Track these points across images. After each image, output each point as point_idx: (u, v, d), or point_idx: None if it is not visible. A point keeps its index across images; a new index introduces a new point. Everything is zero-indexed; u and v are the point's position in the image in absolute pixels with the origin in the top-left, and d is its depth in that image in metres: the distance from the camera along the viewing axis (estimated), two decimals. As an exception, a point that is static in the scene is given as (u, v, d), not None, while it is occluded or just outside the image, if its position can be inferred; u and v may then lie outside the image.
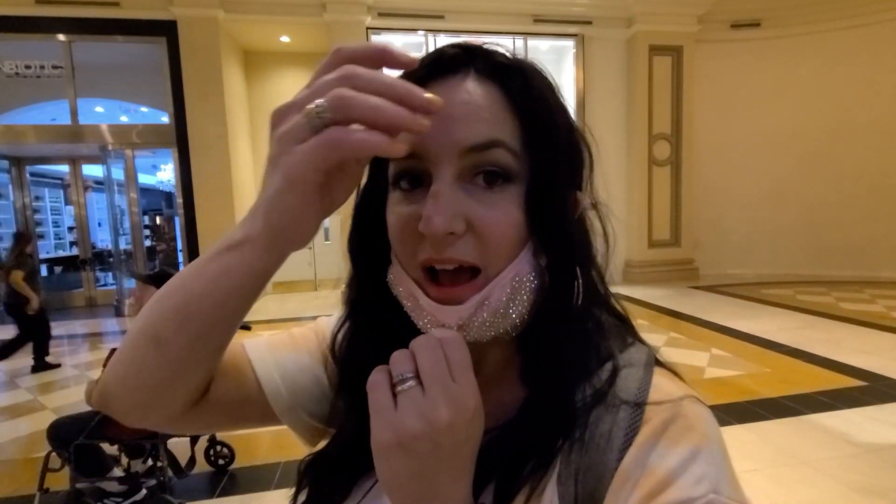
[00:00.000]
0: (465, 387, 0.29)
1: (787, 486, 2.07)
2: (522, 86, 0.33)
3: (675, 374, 0.37)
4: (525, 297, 0.34)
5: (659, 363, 0.37)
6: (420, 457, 0.28)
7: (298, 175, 0.28)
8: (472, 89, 0.33)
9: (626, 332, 0.39)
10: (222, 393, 0.42)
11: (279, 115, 0.30)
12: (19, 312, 4.09)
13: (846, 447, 2.35)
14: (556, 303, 0.35)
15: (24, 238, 4.35)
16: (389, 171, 0.36)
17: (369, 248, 0.39)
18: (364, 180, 0.38)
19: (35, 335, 4.21)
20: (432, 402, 0.28)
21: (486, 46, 0.36)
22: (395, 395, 0.29)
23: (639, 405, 0.33)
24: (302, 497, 0.43)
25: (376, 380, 0.30)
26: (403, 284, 0.35)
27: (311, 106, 0.27)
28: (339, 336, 0.44)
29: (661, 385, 0.34)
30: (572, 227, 0.35)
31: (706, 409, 0.34)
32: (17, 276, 4.02)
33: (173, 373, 0.36)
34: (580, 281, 0.35)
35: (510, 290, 0.33)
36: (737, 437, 2.49)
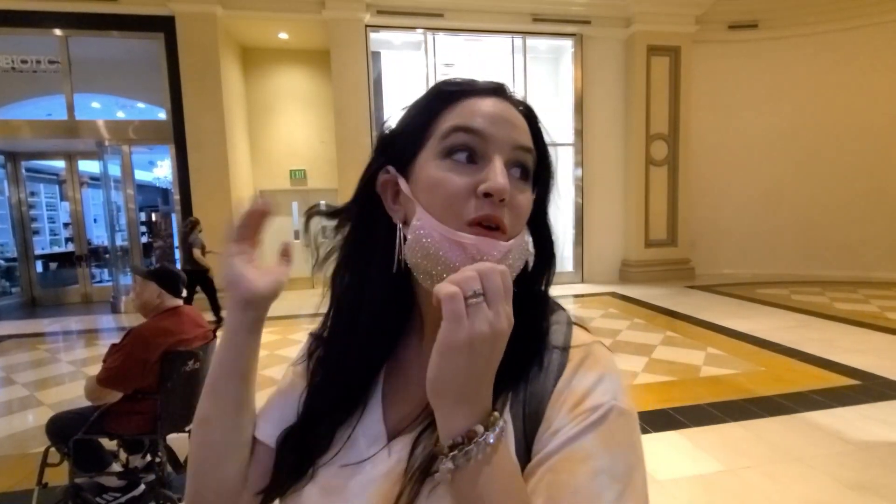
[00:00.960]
0: (510, 308, 0.37)
1: (781, 482, 2.10)
2: (537, 127, 0.48)
3: (585, 328, 0.49)
4: (522, 261, 0.45)
5: (575, 322, 0.50)
6: (481, 357, 0.35)
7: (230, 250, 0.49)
8: (517, 114, 0.47)
9: (553, 303, 0.52)
10: (257, 477, 0.51)
11: None
12: (201, 278, 5.35)
13: (839, 444, 2.38)
14: (529, 275, 0.48)
15: (195, 223, 5.50)
16: (441, 142, 0.44)
17: (366, 231, 0.49)
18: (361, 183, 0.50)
19: (211, 292, 5.56)
20: (496, 314, 0.35)
21: (511, 91, 0.49)
22: (467, 308, 0.35)
23: (565, 349, 0.45)
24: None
25: (453, 292, 0.35)
26: (436, 232, 0.42)
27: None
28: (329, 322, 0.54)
29: (578, 335, 0.47)
30: (549, 227, 0.51)
31: (607, 349, 0.46)
32: (197, 252, 5.34)
33: (222, 440, 0.48)
34: (546, 264, 0.49)
35: (519, 250, 0.44)
36: (731, 434, 2.52)
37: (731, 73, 7.69)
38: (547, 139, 0.49)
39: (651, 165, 7.48)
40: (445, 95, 0.46)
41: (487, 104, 0.45)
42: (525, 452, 0.41)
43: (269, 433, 0.50)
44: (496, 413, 0.37)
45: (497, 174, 0.41)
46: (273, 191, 8.09)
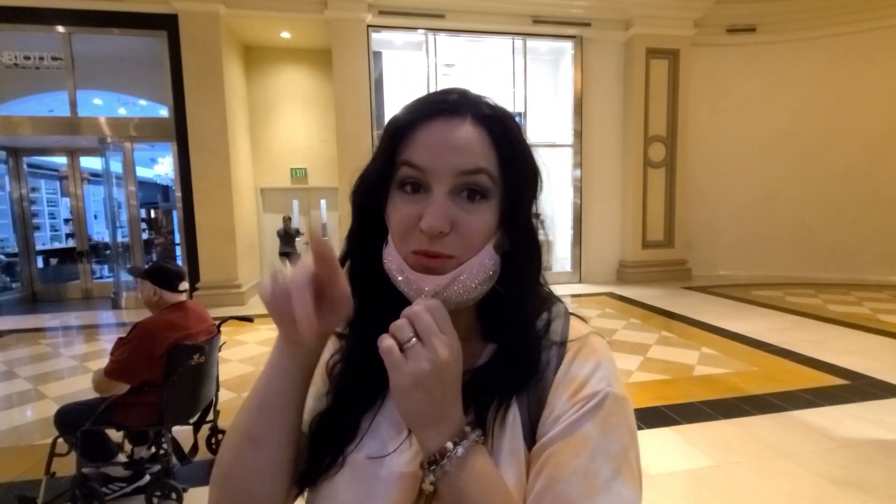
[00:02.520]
0: (450, 335, 0.42)
1: (769, 477, 2.16)
2: (503, 132, 0.47)
3: (582, 318, 0.53)
4: (483, 276, 0.46)
5: (572, 313, 0.54)
6: (431, 389, 0.40)
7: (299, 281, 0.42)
8: (468, 129, 0.46)
9: (551, 295, 0.55)
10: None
11: None
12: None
13: (826, 442, 2.44)
14: (513, 279, 0.49)
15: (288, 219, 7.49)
16: (395, 176, 0.47)
17: (366, 232, 0.51)
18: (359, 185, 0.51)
19: None
20: (433, 349, 0.40)
21: (478, 98, 0.48)
22: (403, 352, 0.40)
23: (563, 343, 0.49)
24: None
25: (388, 345, 0.40)
26: (395, 262, 0.46)
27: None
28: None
29: (576, 326, 0.51)
30: (531, 230, 0.50)
31: (603, 339, 0.50)
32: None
33: (271, 461, 0.46)
34: (530, 265, 0.50)
35: (475, 271, 0.45)
36: (723, 431, 2.58)
37: (728, 77, 7.75)
38: (531, 137, 0.50)
39: (649, 167, 7.54)
40: (397, 128, 0.46)
41: (431, 131, 0.45)
42: (531, 436, 0.45)
43: (304, 421, 0.51)
44: (467, 428, 0.42)
45: (429, 212, 0.43)
46: (274, 189, 8.15)
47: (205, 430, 2.38)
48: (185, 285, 2.15)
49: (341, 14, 6.43)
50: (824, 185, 7.57)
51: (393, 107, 7.42)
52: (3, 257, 7.81)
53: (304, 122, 7.77)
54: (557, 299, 0.54)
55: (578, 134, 7.48)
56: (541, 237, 0.52)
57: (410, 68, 7.27)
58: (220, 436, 2.45)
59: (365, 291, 0.50)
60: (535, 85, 7.58)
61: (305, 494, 0.50)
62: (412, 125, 0.46)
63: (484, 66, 7.45)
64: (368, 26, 6.63)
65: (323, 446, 0.49)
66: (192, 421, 2.25)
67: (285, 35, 7.15)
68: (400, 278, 0.46)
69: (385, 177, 0.47)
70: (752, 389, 3.15)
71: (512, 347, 0.48)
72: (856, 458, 2.28)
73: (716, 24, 7.55)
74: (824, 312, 5.33)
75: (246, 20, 6.59)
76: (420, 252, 0.45)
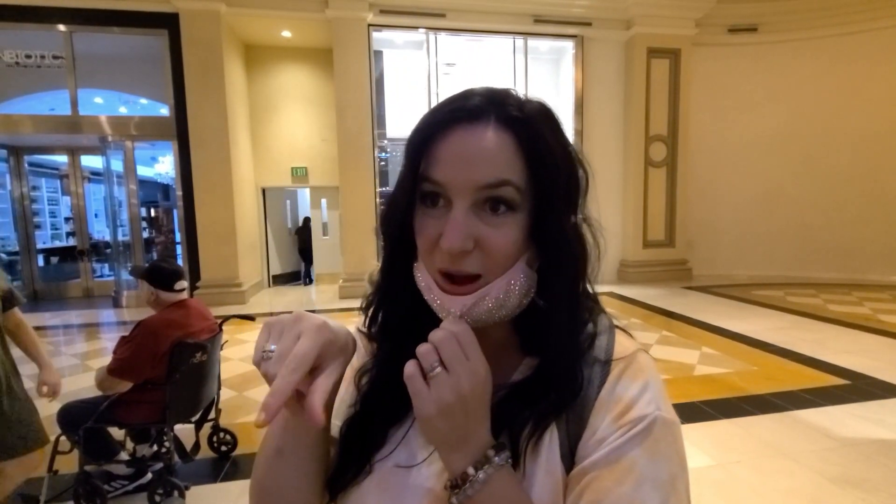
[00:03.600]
0: (475, 361, 0.40)
1: (769, 476, 2.17)
2: (530, 135, 0.42)
3: (628, 333, 0.50)
4: (517, 294, 0.43)
5: (617, 326, 0.50)
6: (455, 417, 0.40)
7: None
8: (490, 137, 0.42)
9: (595, 307, 0.51)
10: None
11: None
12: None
13: (825, 441, 2.45)
14: (551, 290, 0.45)
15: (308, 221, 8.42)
16: (418, 190, 0.44)
17: (401, 240, 0.48)
18: (395, 189, 0.47)
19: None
20: (456, 378, 0.39)
21: (505, 96, 0.44)
22: (426, 380, 0.40)
23: (608, 361, 0.46)
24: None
25: (412, 372, 0.40)
26: (424, 278, 0.45)
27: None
28: (374, 316, 0.53)
29: (622, 342, 0.48)
30: (564, 242, 0.44)
31: (649, 356, 0.47)
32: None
33: (298, 478, 0.47)
34: (569, 276, 0.45)
35: (506, 290, 0.43)
36: (723, 430, 2.59)
37: (730, 76, 7.75)
38: (554, 138, 0.43)
39: (650, 166, 7.54)
40: (416, 141, 0.43)
41: (449, 142, 0.42)
42: (569, 456, 0.43)
43: (336, 425, 0.51)
44: (490, 452, 0.41)
45: (448, 231, 0.41)
46: (274, 188, 8.15)
47: (206, 428, 2.39)
48: (181, 284, 2.13)
49: (342, 13, 6.43)
50: (825, 184, 7.56)
51: (393, 106, 7.46)
52: (3, 256, 7.82)
53: (305, 122, 7.77)
54: (602, 311, 0.50)
55: (579, 133, 7.48)
56: (588, 241, 0.48)
57: (411, 67, 7.27)
58: (221, 434, 2.46)
59: (400, 302, 0.49)
60: (536, 84, 7.57)
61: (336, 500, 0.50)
62: (432, 136, 0.42)
63: (485, 66, 7.45)
64: (369, 25, 6.63)
65: (352, 452, 0.49)
66: (193, 419, 2.25)
67: (286, 34, 7.15)
68: (428, 297, 0.45)
69: (410, 194, 0.45)
70: (753, 389, 3.16)
71: (551, 364, 0.45)
72: (856, 457, 2.28)
73: (717, 23, 7.54)
74: (825, 312, 5.33)
75: (247, 19, 6.59)
76: (443, 271, 0.43)
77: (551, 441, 0.43)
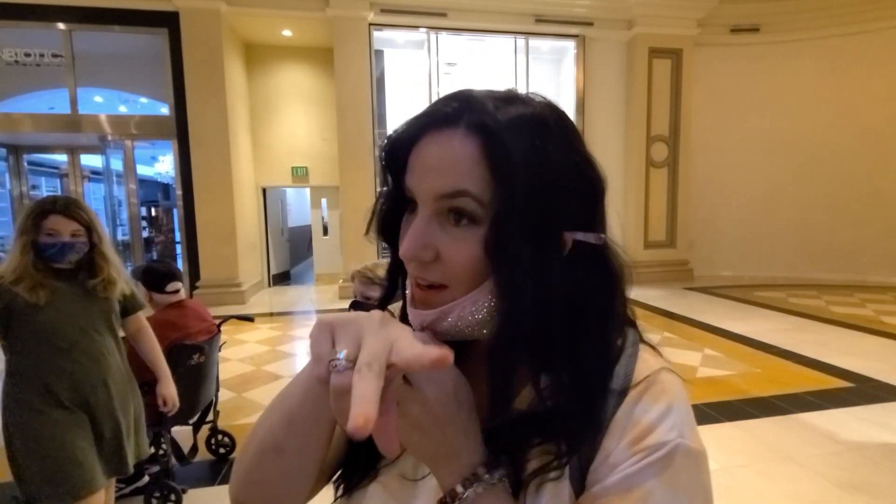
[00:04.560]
0: (443, 371, 0.38)
1: (774, 480, 2.14)
2: (496, 143, 0.37)
3: (655, 349, 0.45)
4: (487, 315, 0.39)
5: (643, 341, 0.45)
6: (427, 429, 0.38)
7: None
8: (455, 143, 0.38)
9: (623, 325, 0.45)
10: (330, 464, 0.50)
11: None
12: None
13: (831, 445, 2.42)
14: (508, 328, 0.38)
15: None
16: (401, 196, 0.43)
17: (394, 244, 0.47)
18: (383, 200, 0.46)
19: None
20: (419, 388, 0.37)
21: (484, 98, 0.39)
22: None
23: (626, 386, 0.40)
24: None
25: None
26: (409, 287, 0.44)
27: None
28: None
29: (646, 358, 0.43)
30: (519, 267, 0.37)
31: (677, 377, 0.42)
32: None
33: (298, 474, 0.44)
34: (532, 310, 0.38)
35: (470, 311, 0.39)
36: (726, 433, 2.57)
37: (731, 77, 7.72)
38: (530, 147, 0.38)
39: (651, 167, 7.51)
40: (390, 148, 0.42)
41: (419, 150, 0.40)
42: (579, 480, 0.39)
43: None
44: (481, 469, 0.38)
45: (406, 238, 0.40)
46: (275, 187, 8.13)
47: (204, 430, 2.37)
48: (174, 286, 2.10)
49: (343, 12, 6.41)
50: (827, 185, 7.54)
51: (394, 106, 7.44)
52: (3, 255, 7.80)
53: (306, 121, 7.75)
54: (632, 324, 0.46)
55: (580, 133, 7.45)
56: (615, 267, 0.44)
57: (412, 67, 7.25)
58: (219, 436, 2.43)
59: (403, 312, 0.48)
60: (538, 84, 7.54)
61: (338, 501, 0.49)
62: (404, 144, 0.41)
63: (486, 66, 7.43)
64: (370, 24, 6.61)
65: (360, 457, 0.48)
66: (191, 421, 2.23)
67: (287, 33, 7.13)
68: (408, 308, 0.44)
69: (390, 199, 0.44)
70: (756, 391, 3.14)
71: (561, 388, 0.40)
72: (861, 461, 2.26)
73: (719, 23, 7.52)
74: (827, 314, 5.31)
75: (247, 18, 6.56)
76: (413, 278, 0.42)
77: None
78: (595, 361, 0.41)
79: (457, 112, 0.39)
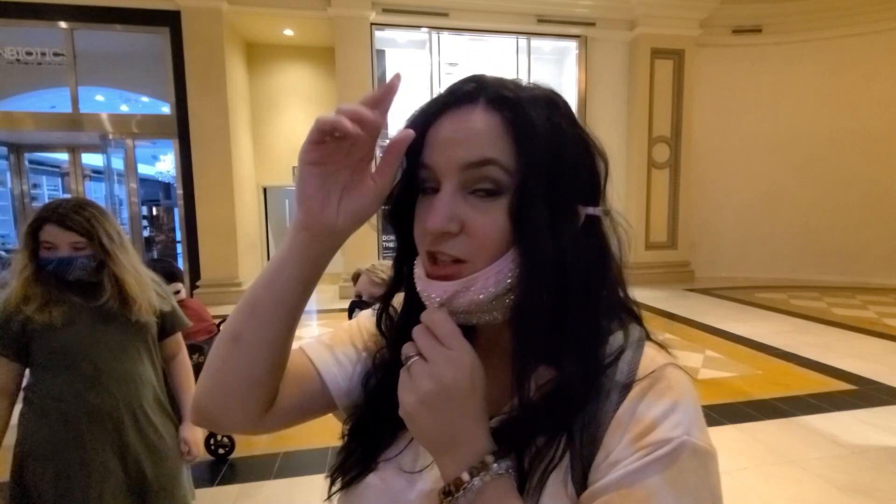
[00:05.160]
0: (458, 350, 0.38)
1: (775, 483, 2.13)
2: (519, 114, 0.40)
3: (662, 346, 0.44)
4: (507, 286, 0.40)
5: (650, 338, 0.45)
6: (438, 409, 0.37)
7: (302, 155, 0.39)
8: (477, 118, 0.40)
9: (627, 317, 0.46)
10: (288, 395, 0.49)
11: None
12: None
13: (833, 448, 2.41)
14: (530, 299, 0.39)
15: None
16: (417, 178, 0.43)
17: (406, 234, 0.46)
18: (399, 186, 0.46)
19: None
20: (434, 366, 0.37)
21: (497, 80, 0.42)
22: (409, 373, 0.39)
23: (631, 380, 0.40)
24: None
25: (403, 368, 0.39)
26: (417, 269, 0.44)
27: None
28: (383, 315, 0.52)
29: (650, 354, 0.42)
30: (543, 231, 0.39)
31: (684, 373, 0.41)
32: None
33: (251, 365, 0.44)
34: (552, 282, 0.39)
35: (493, 282, 0.39)
36: (728, 436, 2.55)
37: (733, 78, 7.70)
38: (549, 120, 0.40)
39: (653, 168, 7.50)
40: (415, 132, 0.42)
41: (439, 128, 0.41)
42: (581, 478, 0.38)
43: (328, 365, 0.51)
44: (489, 457, 0.37)
45: (431, 210, 0.40)
46: (275, 187, 8.13)
47: (203, 430, 2.36)
48: (175, 286, 2.08)
49: (344, 12, 6.40)
50: (829, 187, 7.52)
51: (396, 106, 7.38)
52: (4, 253, 7.80)
53: (307, 120, 7.74)
54: (637, 321, 0.45)
55: (582, 134, 7.44)
56: (612, 239, 0.44)
57: (414, 67, 7.24)
58: (219, 437, 2.42)
59: (406, 301, 0.48)
60: (539, 84, 7.53)
61: (338, 496, 0.49)
62: (422, 125, 0.42)
63: (487, 66, 7.42)
64: (372, 24, 6.60)
65: (359, 447, 0.48)
66: (190, 421, 2.21)
67: (288, 32, 7.12)
68: (418, 287, 0.43)
69: (409, 185, 0.44)
70: (758, 393, 3.12)
71: (566, 376, 0.40)
72: (864, 465, 2.24)
73: (721, 24, 7.50)
74: (829, 316, 5.29)
75: (249, 17, 6.56)
76: (430, 252, 0.41)
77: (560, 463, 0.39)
78: (592, 342, 0.42)
79: (475, 90, 0.41)
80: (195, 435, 1.43)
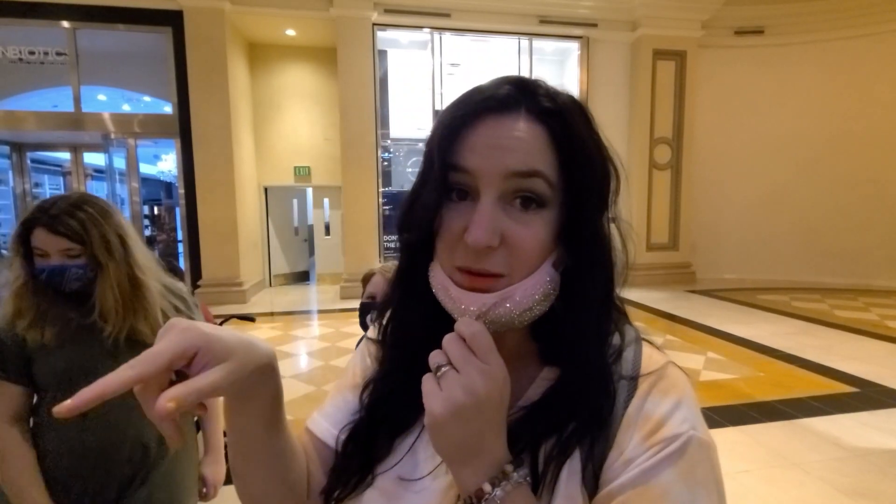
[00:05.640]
0: (493, 364, 0.37)
1: (778, 486, 2.12)
2: (563, 128, 0.40)
3: (656, 346, 0.46)
4: (540, 298, 0.40)
5: (644, 339, 0.47)
6: (468, 421, 0.36)
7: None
8: (522, 127, 0.39)
9: (621, 317, 0.47)
10: (316, 475, 0.50)
11: None
12: None
13: (835, 450, 2.40)
14: (576, 296, 0.41)
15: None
16: (445, 181, 0.41)
17: (418, 244, 0.44)
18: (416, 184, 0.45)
19: None
20: (468, 377, 0.36)
21: (535, 87, 0.41)
22: (438, 382, 0.37)
23: (635, 376, 0.42)
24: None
25: (428, 374, 0.38)
26: (440, 278, 0.42)
27: None
28: (388, 323, 0.51)
29: (650, 355, 0.44)
30: (599, 244, 0.42)
31: (682, 373, 0.43)
32: None
33: (265, 482, 0.45)
34: (596, 281, 0.42)
35: (530, 294, 0.40)
36: (730, 438, 2.54)
37: (735, 79, 7.69)
38: (588, 133, 0.41)
39: (654, 169, 7.49)
40: (441, 132, 0.41)
41: (479, 132, 0.39)
42: (593, 479, 0.39)
43: (331, 434, 0.50)
44: (508, 467, 0.37)
45: (474, 224, 0.38)
46: (277, 187, 8.13)
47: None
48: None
49: (347, 12, 6.41)
50: (831, 188, 7.50)
51: (397, 106, 7.43)
52: (5, 252, 7.81)
53: (309, 121, 7.75)
54: (629, 322, 0.47)
55: (583, 135, 7.44)
56: (617, 245, 0.45)
57: (416, 67, 7.24)
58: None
59: (415, 307, 0.46)
60: (541, 85, 7.53)
61: None
62: (458, 127, 0.40)
63: (489, 66, 7.41)
64: (374, 24, 6.61)
65: (353, 461, 0.47)
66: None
67: (290, 32, 7.13)
68: (443, 298, 0.42)
69: (439, 188, 0.41)
70: (760, 396, 3.11)
71: (575, 378, 0.41)
72: (867, 468, 2.24)
73: (723, 25, 7.49)
74: (831, 318, 5.28)
75: (251, 17, 6.57)
76: (464, 269, 0.40)
77: (571, 464, 0.40)
78: (603, 342, 0.43)
79: (515, 96, 0.40)
80: (217, 476, 1.23)
